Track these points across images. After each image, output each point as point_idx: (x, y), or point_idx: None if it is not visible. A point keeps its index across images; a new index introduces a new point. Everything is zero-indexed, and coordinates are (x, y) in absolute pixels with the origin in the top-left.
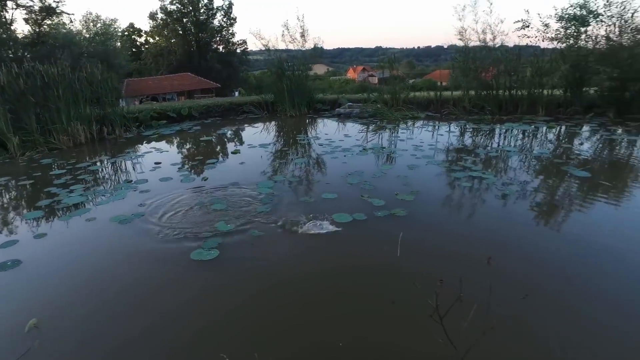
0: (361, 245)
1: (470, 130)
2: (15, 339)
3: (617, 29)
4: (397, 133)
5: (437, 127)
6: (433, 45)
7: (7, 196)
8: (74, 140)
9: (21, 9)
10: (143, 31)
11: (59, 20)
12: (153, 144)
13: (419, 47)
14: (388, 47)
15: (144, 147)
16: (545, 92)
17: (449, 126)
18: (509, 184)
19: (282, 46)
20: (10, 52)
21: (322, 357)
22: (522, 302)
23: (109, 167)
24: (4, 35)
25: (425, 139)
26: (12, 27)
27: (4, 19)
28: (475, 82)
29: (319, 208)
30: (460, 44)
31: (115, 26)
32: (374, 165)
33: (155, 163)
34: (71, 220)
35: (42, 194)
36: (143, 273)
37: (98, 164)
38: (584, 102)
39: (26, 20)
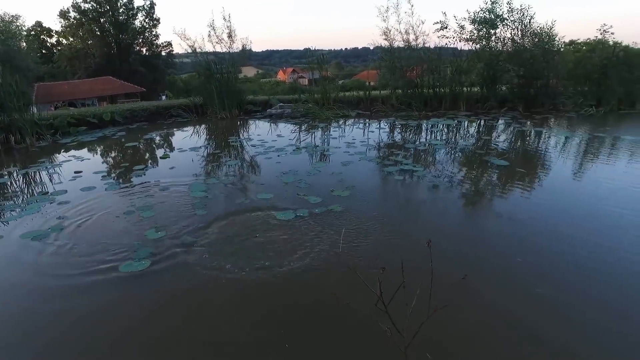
0: (301, 243)
1: (399, 126)
2: None
3: (519, 32)
4: (330, 131)
5: (367, 124)
6: (360, 47)
7: None
8: None
9: None
10: (54, 31)
11: None
12: (72, 152)
13: (346, 49)
14: (317, 48)
15: (61, 156)
16: (465, 89)
17: (379, 123)
18: (438, 175)
19: (209, 47)
20: None
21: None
22: (463, 280)
23: (20, 179)
24: None
25: (357, 136)
26: None
27: None
28: (402, 81)
29: (254, 208)
30: (386, 44)
31: (18, 24)
32: (308, 163)
33: (75, 172)
34: None
35: None
36: (63, 291)
37: (5, 176)
38: (498, 97)
39: None
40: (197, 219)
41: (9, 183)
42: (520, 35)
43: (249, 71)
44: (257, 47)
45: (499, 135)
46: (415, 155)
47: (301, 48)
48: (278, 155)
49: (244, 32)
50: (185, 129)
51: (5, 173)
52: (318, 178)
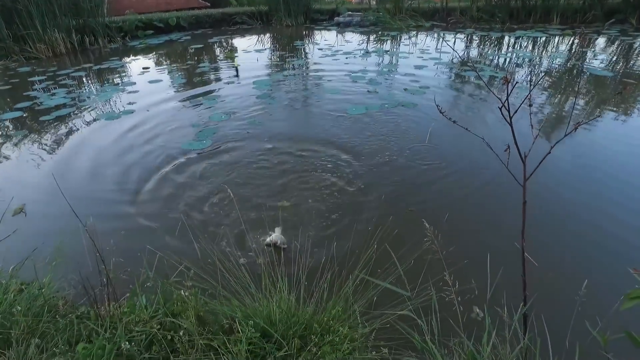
0: (377, 135)
1: (479, 38)
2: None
3: None
4: (401, 40)
5: (443, 35)
6: None
7: None
8: (53, 50)
9: None
10: None
11: None
12: (141, 53)
13: None
14: None
15: (130, 56)
16: None
17: (457, 34)
18: (525, 80)
19: None
20: None
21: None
22: None
23: (94, 73)
24: None
25: (432, 45)
26: None
27: None
28: None
29: (323, 103)
30: None
31: None
32: (378, 65)
33: (144, 68)
34: (54, 119)
35: (21, 98)
36: (130, 161)
37: (81, 71)
38: (605, 7)
39: None
40: (261, 108)
41: (84, 76)
42: None
43: None
44: None
45: (601, 49)
46: (498, 63)
47: None
48: (346, 58)
49: None
50: (249, 35)
51: (82, 68)
52: (389, 78)
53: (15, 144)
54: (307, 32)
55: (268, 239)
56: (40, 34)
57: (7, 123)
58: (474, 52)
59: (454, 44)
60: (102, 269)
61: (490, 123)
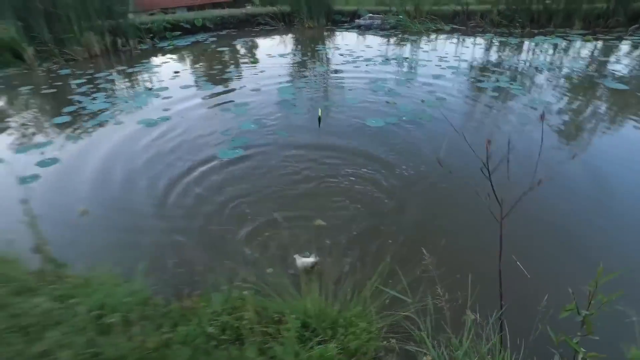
0: (393, 150)
1: (498, 43)
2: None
3: None
4: (421, 45)
5: (462, 40)
6: None
7: (34, 104)
8: (89, 51)
9: None
10: None
11: None
12: (169, 55)
13: None
14: None
15: (160, 59)
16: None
17: (476, 39)
18: (539, 92)
19: None
20: None
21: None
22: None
23: (128, 77)
24: None
25: (450, 51)
26: None
27: None
28: None
29: (343, 112)
30: None
31: None
32: (397, 73)
33: (174, 72)
34: (99, 124)
35: (67, 102)
36: (173, 168)
37: (116, 73)
38: (629, 11)
39: None
40: (286, 117)
41: (120, 79)
42: None
43: None
44: None
45: (622, 57)
46: (514, 73)
47: None
48: (366, 65)
49: None
50: (272, 37)
51: (116, 71)
52: (407, 88)
53: (68, 149)
54: (328, 33)
55: (301, 263)
56: (77, 37)
57: (59, 128)
58: (492, 58)
59: (473, 50)
60: (181, 272)
61: (504, 133)
